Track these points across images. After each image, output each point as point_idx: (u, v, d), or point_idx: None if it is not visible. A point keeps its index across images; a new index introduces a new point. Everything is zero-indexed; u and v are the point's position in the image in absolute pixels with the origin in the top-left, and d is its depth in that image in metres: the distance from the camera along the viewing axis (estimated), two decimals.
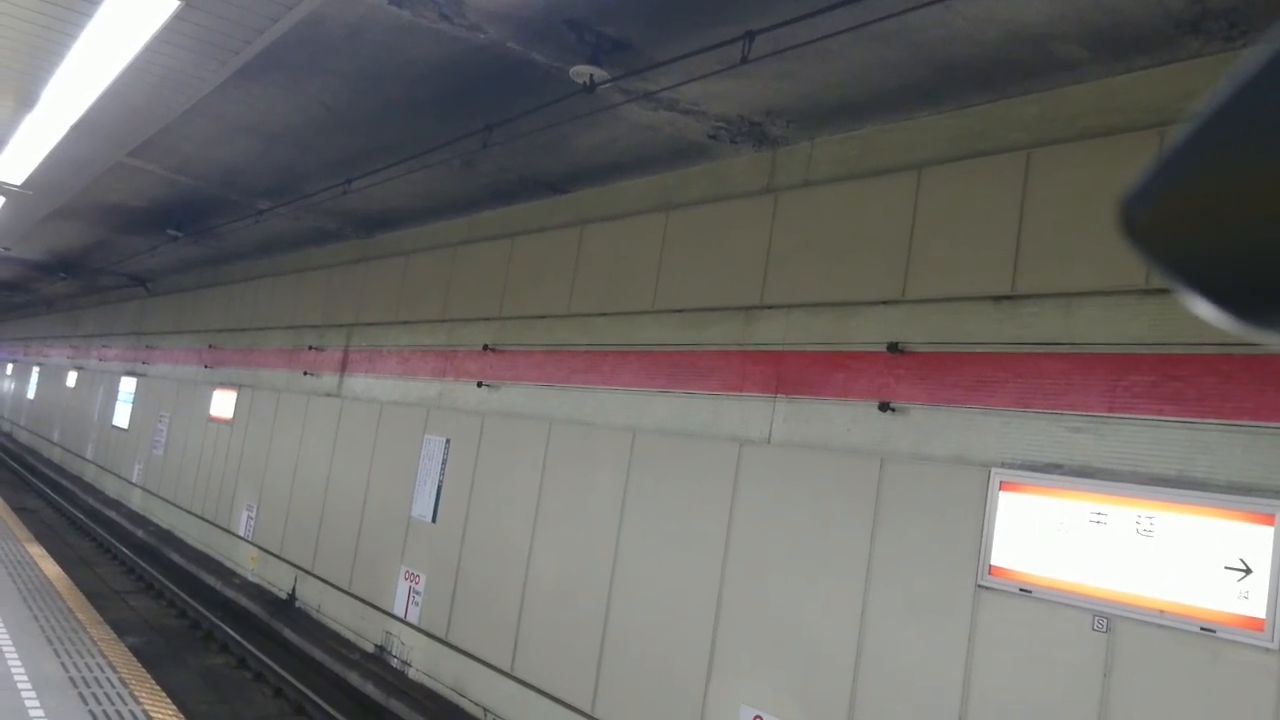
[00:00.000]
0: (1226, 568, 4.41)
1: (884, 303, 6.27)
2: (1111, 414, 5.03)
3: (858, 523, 6.10)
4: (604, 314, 8.66)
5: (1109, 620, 4.79)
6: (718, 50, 5.49)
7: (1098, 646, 4.81)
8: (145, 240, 16.02)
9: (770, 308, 7.08)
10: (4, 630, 6.18)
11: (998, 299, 5.65)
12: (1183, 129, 0.53)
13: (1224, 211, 0.52)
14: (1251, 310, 0.53)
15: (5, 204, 11.96)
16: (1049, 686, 5.01)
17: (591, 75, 5.92)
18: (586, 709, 7.88)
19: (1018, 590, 5.19)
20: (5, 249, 18.19)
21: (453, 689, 9.54)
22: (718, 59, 5.60)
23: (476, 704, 9.17)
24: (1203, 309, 0.54)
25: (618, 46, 5.89)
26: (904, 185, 6.25)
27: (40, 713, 4.91)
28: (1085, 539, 4.93)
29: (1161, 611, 4.59)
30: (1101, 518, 4.89)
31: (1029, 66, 5.41)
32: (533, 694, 8.50)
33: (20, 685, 5.22)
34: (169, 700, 5.88)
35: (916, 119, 6.33)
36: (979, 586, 5.36)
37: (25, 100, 7.54)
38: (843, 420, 6.39)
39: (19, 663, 5.61)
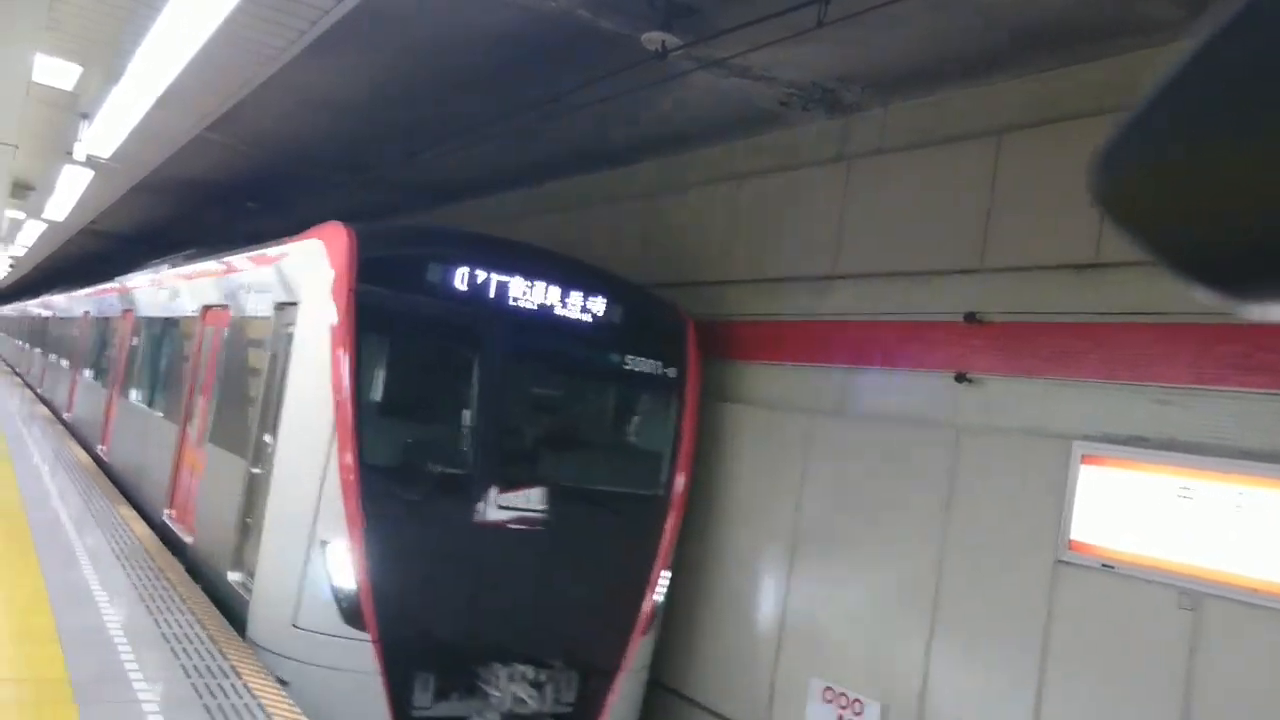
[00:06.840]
0: None
1: (961, 272, 6.14)
2: (1198, 385, 4.87)
3: (931, 495, 6.01)
4: (678, 284, 8.62)
5: (1196, 598, 4.66)
6: (791, 15, 5.39)
7: (1184, 624, 4.69)
8: (223, 213, 16.40)
9: (843, 278, 6.98)
10: (102, 590, 6.48)
11: (1080, 267, 5.49)
12: (1141, 97, 0.52)
13: (1188, 181, 0.51)
14: (1222, 281, 0.52)
15: (94, 177, 12.32)
16: (1131, 664, 4.90)
17: (664, 41, 5.86)
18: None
19: (1099, 566, 5.08)
20: (93, 222, 18.79)
21: None
22: (791, 24, 5.50)
23: None
24: (1177, 278, 0.53)
25: (688, 11, 5.82)
26: (982, 152, 6.09)
27: (135, 666, 5.13)
28: (1171, 514, 4.80)
29: (1254, 590, 4.45)
30: (1188, 492, 4.75)
31: (1113, 27, 5.21)
32: None
33: (117, 641, 5.47)
34: (255, 656, 6.07)
35: (993, 84, 6.15)
36: (1058, 561, 5.26)
37: (112, 74, 7.73)
38: (917, 391, 6.30)
39: (116, 621, 5.88)
